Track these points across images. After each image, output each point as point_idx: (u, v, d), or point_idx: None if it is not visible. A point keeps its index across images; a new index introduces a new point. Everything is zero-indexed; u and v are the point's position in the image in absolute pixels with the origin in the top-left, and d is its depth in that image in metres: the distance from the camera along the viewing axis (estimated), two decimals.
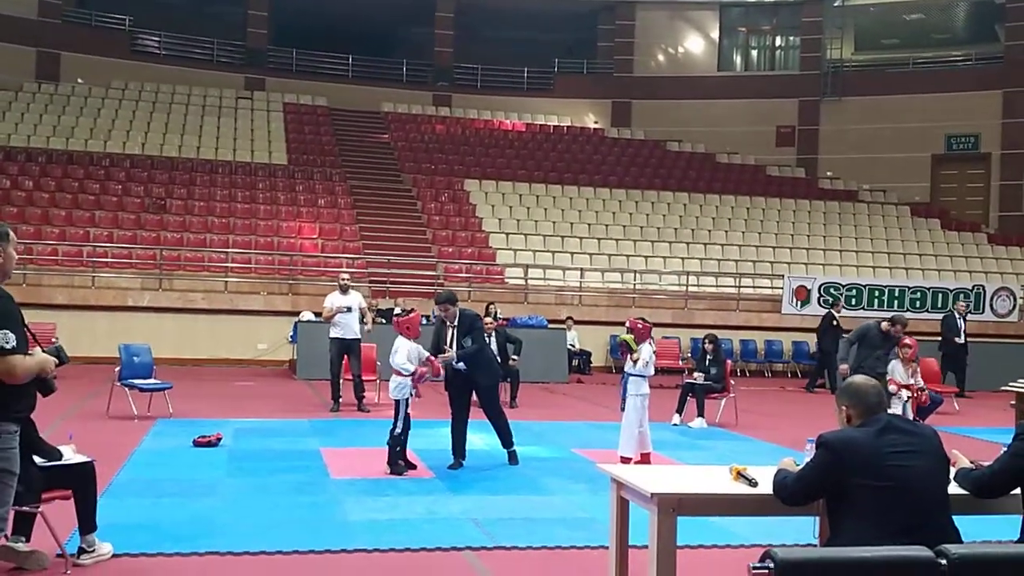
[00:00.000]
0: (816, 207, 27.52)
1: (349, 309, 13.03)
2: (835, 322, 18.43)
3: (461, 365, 8.89)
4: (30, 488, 5.14)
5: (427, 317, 16.66)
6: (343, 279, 13.57)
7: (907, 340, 11.73)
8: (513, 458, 9.17)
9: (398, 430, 8.45)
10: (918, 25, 32.10)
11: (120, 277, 19.51)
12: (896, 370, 11.40)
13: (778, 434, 11.71)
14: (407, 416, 8.47)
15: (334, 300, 13.16)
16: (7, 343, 4.26)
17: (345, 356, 13.05)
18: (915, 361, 11.92)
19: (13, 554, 5.26)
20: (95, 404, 12.16)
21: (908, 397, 11.33)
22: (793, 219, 26.68)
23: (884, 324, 11.49)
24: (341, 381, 13.00)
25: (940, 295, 22.61)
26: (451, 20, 32.14)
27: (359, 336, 13.15)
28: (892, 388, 11.07)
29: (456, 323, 8.95)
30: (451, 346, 8.95)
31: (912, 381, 11.52)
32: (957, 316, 18.55)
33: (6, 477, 4.43)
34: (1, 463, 4.38)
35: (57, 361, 4.70)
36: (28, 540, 5.40)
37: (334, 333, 13.05)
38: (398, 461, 8.46)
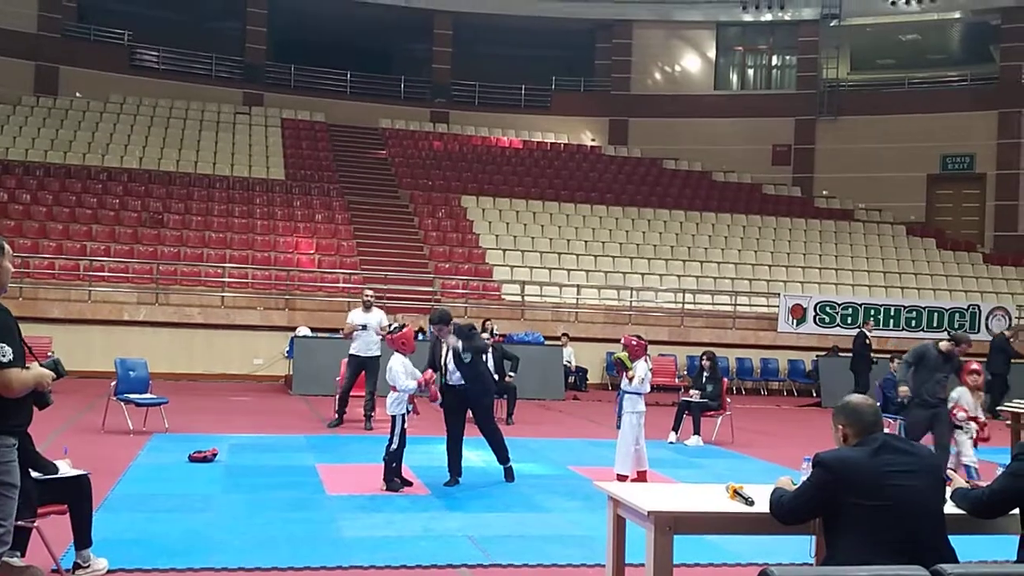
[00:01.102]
0: (812, 226, 27.62)
1: (364, 327, 12.89)
2: (867, 340, 18.47)
3: (457, 377, 8.89)
4: (26, 502, 5.11)
5: (420, 331, 16.66)
6: (367, 296, 13.42)
7: (975, 366, 10.50)
8: (509, 475, 9.17)
9: (394, 446, 8.44)
10: (914, 45, 32.29)
11: (117, 291, 19.50)
12: (964, 398, 10.12)
13: (774, 452, 11.71)
14: (403, 432, 8.47)
15: (354, 317, 13.09)
16: (4, 356, 4.26)
17: (361, 374, 12.92)
18: (982, 390, 10.64)
19: (8, 569, 5.23)
20: (90, 418, 12.14)
21: (975, 430, 10.00)
22: (789, 238, 26.76)
23: (943, 344, 10.35)
24: (349, 398, 12.92)
25: (936, 314, 22.66)
26: (449, 37, 32.27)
27: (378, 354, 12.84)
28: (961, 415, 9.90)
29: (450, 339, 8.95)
30: (447, 364, 8.94)
31: (978, 412, 10.21)
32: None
33: (7, 490, 4.42)
34: (3, 476, 4.37)
35: (55, 375, 4.71)
36: (23, 555, 5.39)
37: (352, 350, 12.94)
38: (394, 478, 8.45)
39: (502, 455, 9.20)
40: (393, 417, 8.52)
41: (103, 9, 30.24)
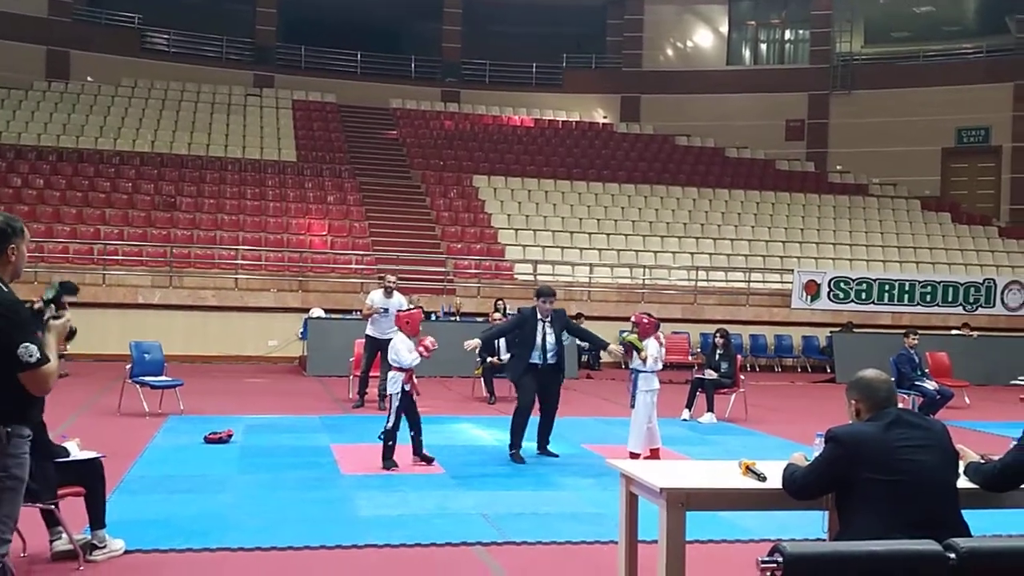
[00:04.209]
0: (826, 201, 27.48)
1: (386, 311, 12.80)
2: None
3: (552, 355, 9.10)
4: (47, 485, 5.21)
5: (429, 315, 16.55)
6: (389, 280, 13.30)
7: None
8: (547, 453, 9.30)
9: (390, 425, 8.48)
10: (928, 17, 31.98)
11: (131, 275, 19.59)
12: None
13: (788, 429, 11.69)
14: (399, 411, 8.47)
15: (375, 299, 13.02)
16: (31, 357, 4.17)
17: (378, 355, 12.94)
18: None
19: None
20: (106, 401, 12.23)
21: None
22: (803, 213, 26.63)
23: None
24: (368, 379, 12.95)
25: (951, 289, 22.55)
26: (459, 16, 32.16)
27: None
28: None
29: (550, 319, 9.12)
30: (547, 340, 9.08)
31: None
32: None
33: (15, 484, 4.31)
34: (14, 469, 4.29)
35: (59, 299, 4.55)
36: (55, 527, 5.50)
37: (369, 331, 12.90)
38: (390, 456, 8.45)
39: (546, 439, 9.35)
40: (390, 396, 8.56)
41: None
